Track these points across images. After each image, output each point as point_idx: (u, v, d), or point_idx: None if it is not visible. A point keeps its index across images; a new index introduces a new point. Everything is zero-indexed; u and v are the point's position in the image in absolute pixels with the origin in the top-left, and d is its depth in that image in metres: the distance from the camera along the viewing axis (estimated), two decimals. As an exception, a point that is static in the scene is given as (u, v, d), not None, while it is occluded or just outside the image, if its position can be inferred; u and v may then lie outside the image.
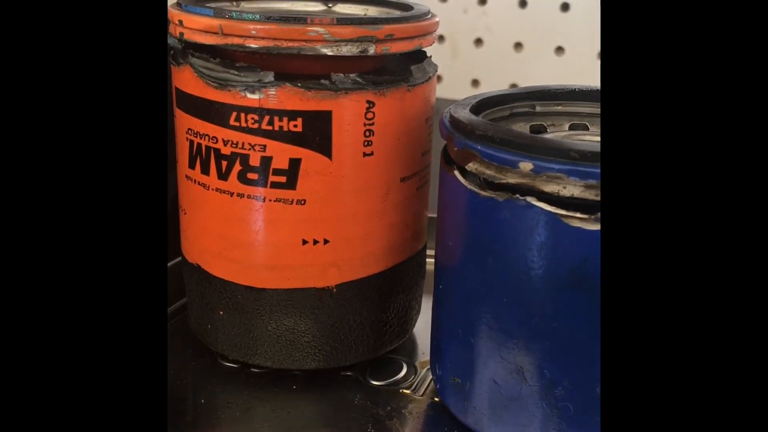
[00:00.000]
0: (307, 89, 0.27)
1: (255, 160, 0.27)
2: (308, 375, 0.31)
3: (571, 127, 0.30)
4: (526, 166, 0.24)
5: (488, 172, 0.25)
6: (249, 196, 0.28)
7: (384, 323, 0.31)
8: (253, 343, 0.30)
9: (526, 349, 0.25)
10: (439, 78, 0.70)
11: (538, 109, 0.31)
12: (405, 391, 0.31)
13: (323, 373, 0.31)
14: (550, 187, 0.23)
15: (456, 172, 0.26)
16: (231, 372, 0.32)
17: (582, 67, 0.64)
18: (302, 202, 0.28)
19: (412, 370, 0.33)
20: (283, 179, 0.28)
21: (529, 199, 0.24)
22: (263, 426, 0.29)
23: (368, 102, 0.27)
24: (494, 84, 0.70)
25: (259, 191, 0.28)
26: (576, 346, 0.25)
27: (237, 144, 0.27)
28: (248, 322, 0.30)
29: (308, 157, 0.27)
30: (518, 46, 0.67)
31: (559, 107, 0.31)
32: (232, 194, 0.28)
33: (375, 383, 0.32)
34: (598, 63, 0.64)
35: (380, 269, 0.30)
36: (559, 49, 0.65)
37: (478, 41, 0.68)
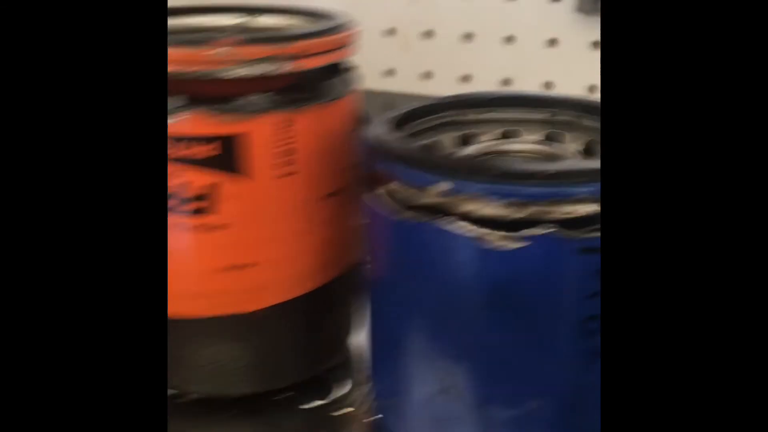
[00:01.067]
0: (222, 112, 0.26)
1: (173, 188, 0.27)
2: (239, 401, 0.31)
3: (503, 135, 0.30)
4: (443, 186, 0.23)
5: (407, 193, 0.24)
6: (175, 227, 0.27)
7: (316, 343, 0.31)
8: (184, 372, 0.30)
9: (456, 368, 0.25)
10: (391, 72, 0.70)
11: (469, 117, 0.30)
12: (344, 410, 0.31)
13: (255, 399, 0.31)
14: (468, 207, 0.23)
15: (376, 193, 0.25)
16: None
17: (532, 55, 0.64)
18: (225, 227, 0.27)
19: (346, 390, 0.32)
20: (203, 205, 0.27)
21: (447, 219, 0.23)
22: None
23: (286, 121, 0.27)
24: (445, 76, 0.69)
25: (180, 219, 0.27)
26: (505, 364, 0.24)
27: None
28: (177, 351, 0.29)
29: (228, 180, 0.27)
30: (468, 36, 0.66)
31: (490, 114, 0.31)
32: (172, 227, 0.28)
33: (306, 407, 0.31)
34: (547, 51, 0.63)
35: (310, 288, 0.30)
36: (509, 39, 0.65)
37: (428, 33, 0.67)
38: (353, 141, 0.30)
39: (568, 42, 0.62)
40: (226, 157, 0.26)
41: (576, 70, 0.62)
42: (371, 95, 0.30)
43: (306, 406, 0.31)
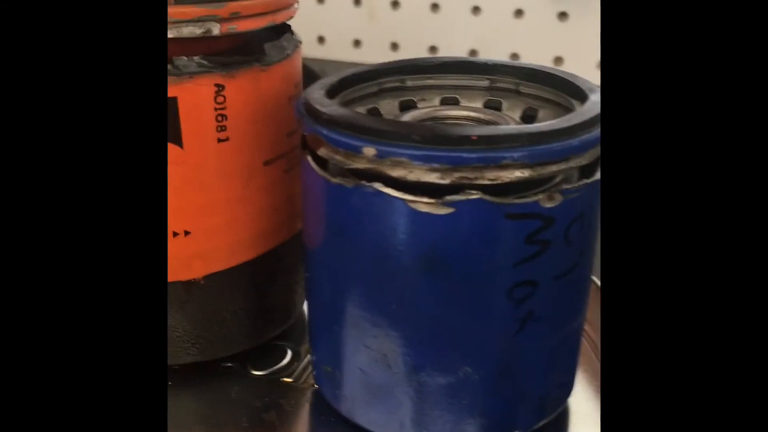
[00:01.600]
0: None
1: None
2: (187, 369, 0.30)
3: (442, 102, 0.29)
4: (370, 151, 0.23)
5: (336, 157, 0.24)
6: None
7: (262, 311, 0.31)
8: None
9: (388, 336, 0.25)
10: (358, 43, 0.69)
11: (408, 83, 0.30)
12: (286, 380, 0.31)
13: (203, 366, 0.30)
14: (396, 172, 0.23)
15: (309, 158, 0.25)
16: None
17: (499, 26, 0.63)
18: None
19: (297, 356, 0.32)
20: None
21: (376, 185, 0.23)
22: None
23: (217, 85, 0.26)
24: (413, 47, 0.68)
25: None
26: (435, 331, 0.24)
27: None
28: None
29: None
30: (435, 7, 0.65)
31: (431, 81, 0.30)
32: None
33: (255, 373, 0.31)
34: (514, 22, 0.63)
35: (251, 257, 0.29)
36: (476, 9, 0.64)
37: (395, 3, 0.67)
38: (291, 107, 0.30)
39: (535, 13, 0.62)
40: None
41: (543, 41, 0.62)
42: (339, 66, 0.29)
43: (251, 375, 0.31)
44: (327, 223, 0.25)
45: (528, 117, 0.27)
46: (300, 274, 0.32)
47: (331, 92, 0.27)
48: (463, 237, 0.23)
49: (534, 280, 0.24)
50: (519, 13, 0.63)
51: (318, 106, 0.24)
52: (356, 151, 0.23)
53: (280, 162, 0.29)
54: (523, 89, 0.29)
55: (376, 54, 0.69)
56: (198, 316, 0.29)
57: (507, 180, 0.22)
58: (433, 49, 0.67)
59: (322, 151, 0.24)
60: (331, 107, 0.24)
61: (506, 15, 0.63)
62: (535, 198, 0.23)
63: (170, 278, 0.28)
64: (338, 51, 0.71)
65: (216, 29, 0.25)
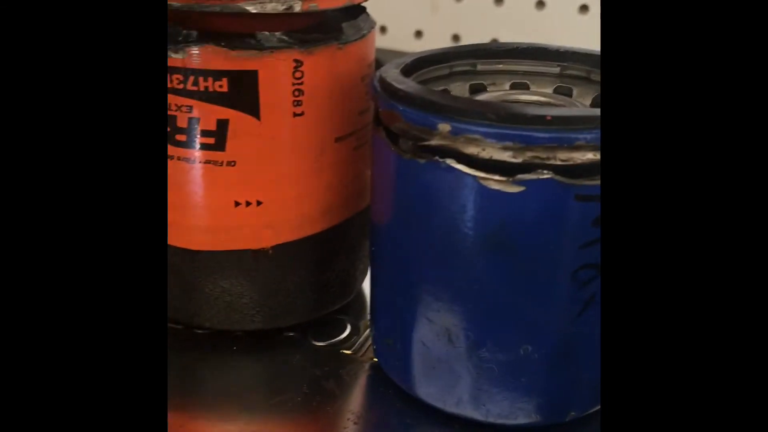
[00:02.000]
0: (231, 48, 0.26)
1: (183, 122, 0.27)
2: (251, 336, 0.31)
3: (512, 86, 0.30)
4: (445, 127, 0.23)
5: (411, 133, 0.24)
6: (179, 158, 0.28)
7: (324, 284, 0.31)
8: (193, 305, 0.31)
9: (451, 311, 0.25)
10: (419, 33, 0.69)
11: (479, 67, 0.31)
12: (346, 351, 0.31)
13: (265, 334, 0.31)
14: (469, 149, 0.23)
15: (382, 134, 0.26)
16: (173, 333, 0.32)
17: (563, 20, 0.63)
18: (232, 163, 0.28)
19: (356, 330, 0.33)
20: (211, 141, 0.27)
21: (449, 161, 0.23)
22: (200, 387, 0.29)
23: (295, 61, 0.27)
24: (474, 39, 0.68)
25: (189, 153, 0.28)
26: (498, 308, 0.25)
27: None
28: (186, 284, 0.30)
29: (236, 118, 0.27)
30: (499, 0, 0.66)
31: (501, 65, 0.31)
32: (178, 160, 0.28)
33: (316, 344, 0.32)
34: (579, 17, 0.62)
35: (317, 230, 0.30)
36: (540, 4, 0.64)
37: (458, -5, 0.67)
38: (367, 86, 0.30)
39: (598, 9, 0.62)
40: (234, 93, 0.27)
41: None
42: (400, 56, 0.30)
43: (312, 345, 0.32)
44: (397, 197, 0.26)
45: (599, 104, 0.28)
46: (363, 251, 0.33)
47: (405, 72, 0.27)
48: (532, 216, 0.23)
49: (599, 264, 0.24)
50: (584, 8, 0.62)
51: (394, 83, 0.25)
52: (432, 127, 0.23)
53: (350, 139, 0.30)
54: (594, 77, 0.29)
55: (437, 45, 0.69)
56: (264, 284, 0.30)
57: (579, 161, 0.23)
58: (495, 41, 0.67)
59: (396, 127, 0.25)
60: (407, 84, 0.25)
61: (571, 10, 0.63)
62: (605, 181, 0.23)
63: (240, 246, 0.29)
64: (400, 41, 0.72)
65: (298, 6, 0.26)
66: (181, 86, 0.27)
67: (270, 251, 0.29)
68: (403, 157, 0.25)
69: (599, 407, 0.27)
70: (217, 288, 0.30)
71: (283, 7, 0.26)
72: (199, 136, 0.27)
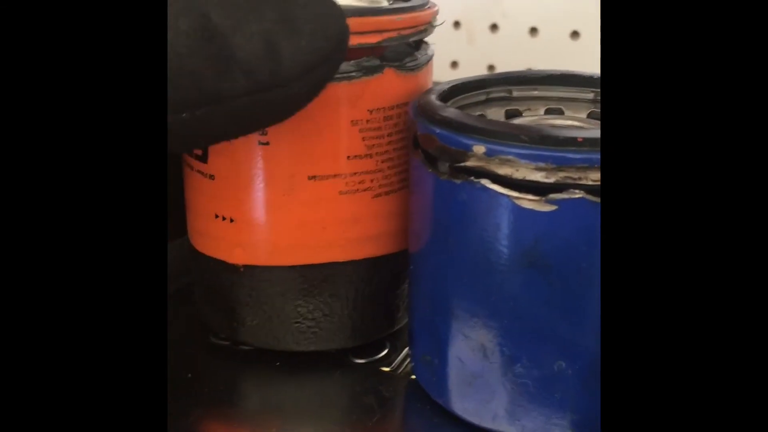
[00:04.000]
0: None
1: None
2: (293, 353, 0.33)
3: (547, 112, 0.31)
4: (480, 149, 0.24)
5: (447, 155, 0.25)
6: (188, 165, 0.31)
7: (294, 320, 0.31)
8: (209, 310, 0.33)
9: (486, 327, 0.26)
10: (455, 64, 0.71)
11: (514, 93, 0.32)
12: (384, 369, 0.32)
13: (308, 352, 0.32)
14: (503, 170, 0.24)
15: (420, 156, 0.27)
16: (217, 347, 0.34)
17: (598, 51, 0.64)
18: (212, 177, 0.30)
19: (394, 349, 0.34)
20: (200, 152, 0.30)
21: (484, 181, 0.25)
22: (241, 401, 0.31)
23: None
24: (510, 69, 0.70)
25: (188, 159, 0.31)
26: (533, 324, 0.26)
27: None
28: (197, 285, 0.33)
29: None
30: (534, 31, 0.67)
31: (536, 92, 0.32)
32: (186, 165, 0.31)
33: (356, 361, 0.33)
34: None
35: (289, 263, 0.30)
36: (575, 34, 0.65)
37: (494, 27, 0.68)
38: (364, 132, 0.29)
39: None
40: None
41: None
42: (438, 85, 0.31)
43: (356, 361, 0.33)
44: (433, 217, 0.27)
45: (630, 127, 0.28)
46: (349, 303, 0.32)
47: (443, 98, 0.29)
48: (564, 234, 0.24)
49: (631, 281, 0.25)
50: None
51: (432, 108, 0.26)
52: (467, 149, 0.25)
53: (332, 181, 0.29)
54: (627, 102, 0.30)
55: (472, 75, 0.71)
56: (236, 300, 0.32)
57: (610, 182, 0.23)
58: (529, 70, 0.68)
59: (433, 150, 0.26)
60: (444, 109, 0.26)
61: (605, 40, 0.64)
62: (636, 200, 0.24)
63: (219, 256, 0.31)
64: (436, 71, 0.74)
65: None
66: None
67: (241, 269, 0.31)
68: (440, 178, 0.26)
69: (634, 425, 0.28)
70: (203, 289, 0.33)
71: None
72: None
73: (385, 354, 0.33)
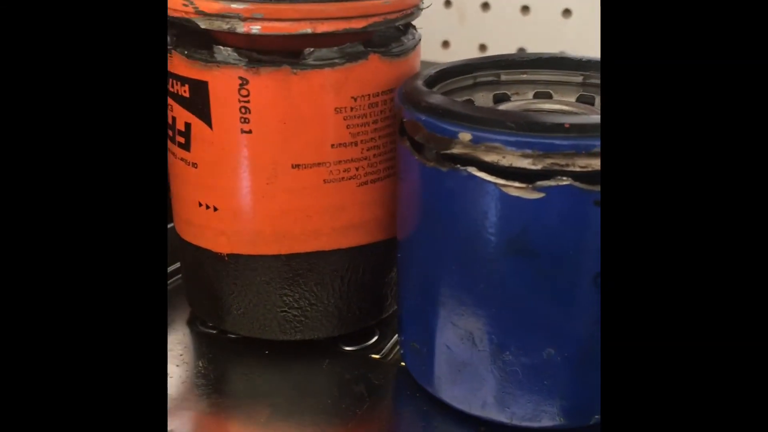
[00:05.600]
0: (190, 58, 0.28)
1: (169, 119, 0.30)
2: (281, 341, 0.32)
3: (536, 95, 0.31)
4: (465, 136, 0.24)
5: (433, 142, 0.25)
6: (171, 153, 0.31)
7: (280, 309, 0.31)
8: (196, 299, 0.33)
9: (475, 315, 0.26)
10: (446, 44, 0.70)
11: (503, 77, 0.31)
12: (374, 356, 0.32)
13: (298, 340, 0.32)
14: (489, 157, 0.24)
15: (407, 143, 0.27)
16: (206, 335, 0.34)
17: (589, 30, 0.63)
18: (195, 165, 0.30)
19: (384, 336, 0.33)
20: (183, 140, 0.30)
21: (470, 169, 0.24)
22: (231, 389, 0.30)
23: (241, 78, 0.27)
24: (502, 48, 0.69)
25: (172, 147, 0.31)
26: (521, 312, 0.25)
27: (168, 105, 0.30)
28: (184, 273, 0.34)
29: (196, 123, 0.29)
30: (525, 9, 0.66)
31: (524, 75, 0.31)
32: (170, 153, 0.31)
33: (345, 348, 0.33)
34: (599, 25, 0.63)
35: (273, 252, 0.30)
36: (567, 12, 0.64)
37: (485, 5, 0.68)
38: (347, 119, 0.29)
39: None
40: (193, 100, 0.28)
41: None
42: (427, 66, 0.30)
43: (346, 349, 0.33)
44: (421, 205, 0.27)
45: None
46: (335, 291, 0.32)
47: (429, 83, 0.28)
48: (552, 222, 0.24)
49: (620, 268, 0.25)
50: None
51: (417, 95, 0.26)
52: (453, 136, 0.24)
53: (316, 170, 0.29)
54: (616, 85, 0.30)
55: (464, 55, 0.70)
56: (221, 288, 0.32)
57: (597, 168, 0.23)
58: (521, 51, 0.67)
59: (419, 137, 0.26)
60: (430, 95, 0.26)
61: (597, 18, 0.63)
62: (624, 186, 0.23)
63: (204, 245, 0.31)
64: (427, 51, 0.73)
65: (240, 27, 0.27)
66: (169, 88, 0.29)
67: (226, 258, 0.31)
68: (427, 165, 0.25)
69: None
70: (197, 279, 0.32)
71: (227, 26, 0.27)
72: (176, 134, 0.30)
73: (375, 341, 0.33)
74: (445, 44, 0.70)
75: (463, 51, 0.69)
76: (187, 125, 0.29)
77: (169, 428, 0.28)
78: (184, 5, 0.27)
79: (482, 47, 0.69)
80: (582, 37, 0.64)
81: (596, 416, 0.27)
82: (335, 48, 0.28)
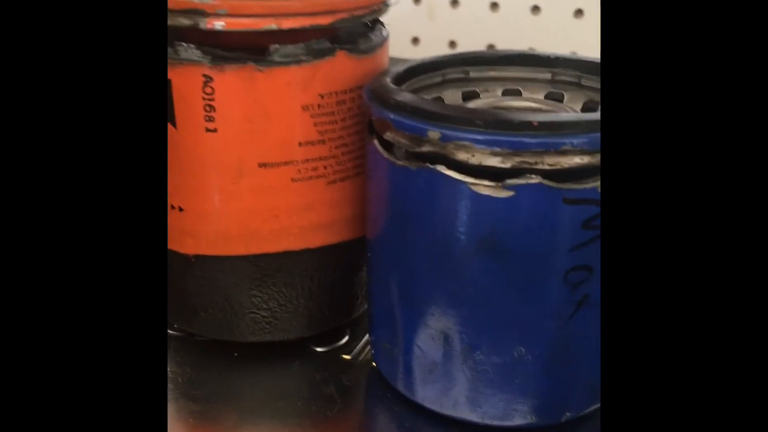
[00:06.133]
0: None
1: None
2: (252, 343, 0.32)
3: (504, 93, 0.30)
4: (435, 134, 0.24)
5: (403, 141, 0.25)
6: None
7: (249, 311, 0.31)
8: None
9: (445, 314, 0.26)
10: (416, 40, 0.70)
11: (471, 74, 0.31)
12: (345, 357, 0.32)
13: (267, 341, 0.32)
14: (459, 155, 0.24)
15: (375, 142, 0.26)
16: (171, 337, 0.33)
17: (558, 26, 0.64)
18: None
19: (355, 336, 0.33)
20: None
21: (440, 167, 0.24)
22: (201, 392, 0.30)
23: (205, 76, 0.27)
24: (471, 45, 0.69)
25: None
26: (491, 310, 0.25)
27: None
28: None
29: None
30: (494, 6, 0.66)
31: (493, 72, 0.31)
32: None
33: (316, 349, 0.32)
34: (574, 22, 0.63)
35: (239, 253, 0.30)
36: (535, 9, 0.65)
37: (455, 2, 0.67)
38: (314, 117, 0.28)
39: (595, 13, 0.62)
40: None
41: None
42: (397, 63, 0.29)
43: (316, 350, 0.32)
44: (390, 204, 0.26)
45: (589, 109, 0.28)
46: (301, 292, 0.31)
47: (398, 81, 0.28)
48: (522, 220, 0.24)
49: (589, 265, 0.25)
50: (579, 12, 0.63)
51: (386, 92, 0.26)
52: (422, 135, 0.24)
53: (284, 169, 0.29)
54: (585, 82, 0.30)
55: (434, 52, 0.70)
56: (189, 290, 0.31)
57: (566, 166, 0.23)
58: (491, 48, 0.67)
59: (388, 135, 0.25)
60: (398, 93, 0.26)
61: (566, 14, 0.63)
62: (593, 184, 0.23)
63: (171, 246, 0.30)
64: (396, 48, 0.73)
65: (202, 23, 0.26)
66: None
67: (192, 259, 0.30)
68: (396, 163, 0.25)
69: (595, 407, 0.28)
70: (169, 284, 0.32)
71: (190, 22, 0.26)
72: None
73: (346, 342, 0.33)
74: (415, 41, 0.70)
75: (433, 48, 0.69)
76: None
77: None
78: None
79: (452, 44, 0.69)
80: (551, 33, 0.64)
81: (567, 413, 0.27)
82: (301, 44, 0.27)
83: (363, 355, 0.32)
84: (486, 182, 0.23)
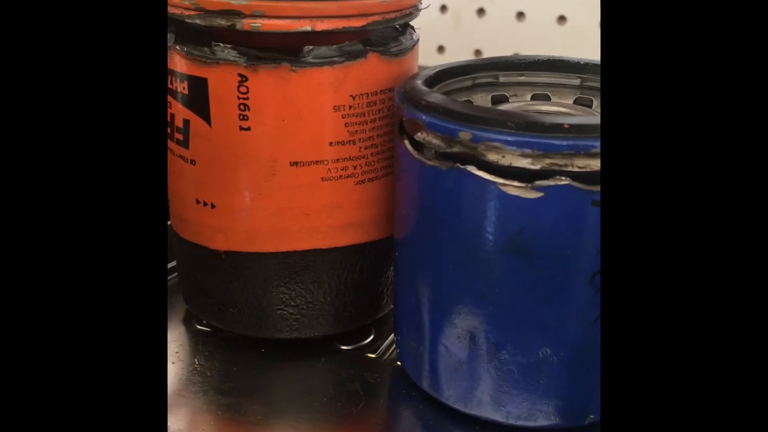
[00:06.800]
0: (189, 55, 0.28)
1: (169, 117, 0.30)
2: (279, 340, 0.32)
3: (533, 97, 0.31)
4: (466, 135, 0.24)
5: (434, 141, 0.25)
6: (169, 150, 0.31)
7: (276, 307, 0.31)
8: (192, 296, 0.33)
9: (472, 314, 0.26)
10: (441, 48, 0.70)
11: (501, 79, 0.31)
12: (370, 355, 0.32)
13: (293, 339, 0.32)
14: (489, 156, 0.24)
15: (406, 142, 0.27)
16: (202, 332, 0.34)
17: (584, 36, 0.64)
18: (193, 162, 0.30)
19: (380, 335, 0.34)
20: (181, 137, 0.30)
21: (470, 167, 0.24)
22: (227, 388, 0.30)
23: (240, 75, 0.28)
24: (496, 54, 0.69)
25: (171, 146, 0.31)
26: (518, 311, 0.26)
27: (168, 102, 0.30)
28: (180, 270, 0.33)
29: (194, 120, 0.29)
30: (520, 15, 0.66)
31: (522, 77, 0.31)
32: (168, 150, 0.31)
33: (342, 347, 0.33)
34: (598, 30, 0.63)
35: (269, 249, 0.30)
36: (562, 18, 0.65)
37: (481, 11, 0.68)
38: (345, 118, 0.29)
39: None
40: (192, 97, 0.28)
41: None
42: (424, 69, 0.30)
43: (342, 348, 0.33)
44: (420, 204, 0.27)
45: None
46: (330, 291, 0.32)
47: (429, 83, 0.28)
48: (550, 221, 0.24)
49: (616, 268, 0.25)
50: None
51: (418, 94, 0.26)
52: (453, 135, 0.24)
53: (314, 168, 0.29)
54: (613, 88, 0.30)
55: (459, 60, 0.70)
56: (219, 286, 0.32)
57: (595, 168, 0.23)
58: (516, 55, 0.68)
59: (419, 136, 0.26)
60: (430, 95, 0.26)
61: (592, 25, 0.64)
62: (622, 187, 0.24)
63: (201, 242, 0.31)
64: (422, 56, 0.73)
65: (239, 24, 0.27)
66: (169, 85, 0.29)
67: (222, 255, 0.31)
68: (427, 164, 0.26)
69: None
70: (186, 274, 0.33)
71: (227, 24, 0.27)
72: (174, 131, 0.30)
73: (371, 340, 0.33)
74: (441, 49, 0.70)
75: (458, 56, 0.70)
76: (186, 122, 0.29)
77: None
78: (184, 2, 0.27)
79: (477, 52, 0.69)
80: (576, 43, 0.65)
81: (591, 416, 0.27)
82: (334, 46, 0.28)
83: (388, 354, 0.32)
84: (515, 183, 0.24)
